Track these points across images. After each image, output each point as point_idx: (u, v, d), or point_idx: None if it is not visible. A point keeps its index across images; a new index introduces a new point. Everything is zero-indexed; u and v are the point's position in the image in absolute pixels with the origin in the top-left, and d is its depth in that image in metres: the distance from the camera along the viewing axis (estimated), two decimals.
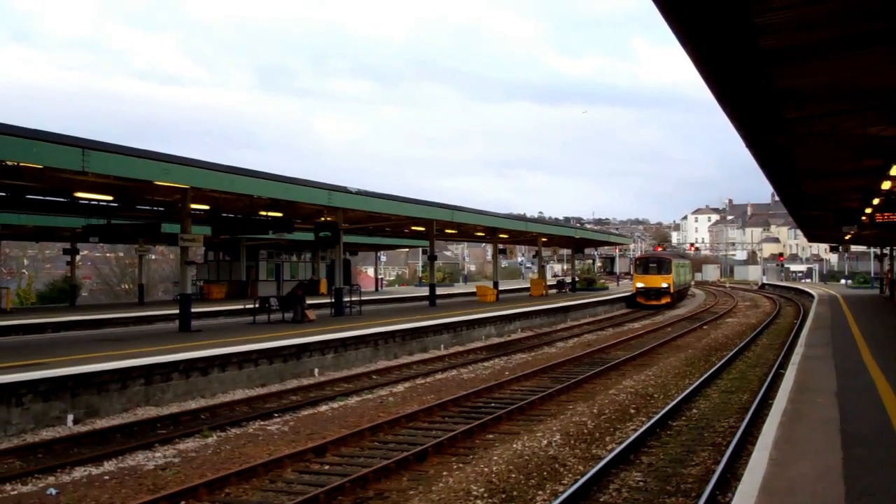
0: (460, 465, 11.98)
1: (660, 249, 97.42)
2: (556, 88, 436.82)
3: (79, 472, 11.86)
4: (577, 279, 63.31)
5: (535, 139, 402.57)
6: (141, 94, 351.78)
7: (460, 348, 28.12)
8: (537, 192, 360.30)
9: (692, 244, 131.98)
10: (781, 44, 12.83)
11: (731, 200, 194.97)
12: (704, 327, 37.33)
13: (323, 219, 31.60)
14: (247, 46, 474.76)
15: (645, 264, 54.73)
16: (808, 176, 26.53)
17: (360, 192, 28.59)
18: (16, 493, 10.85)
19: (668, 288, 52.33)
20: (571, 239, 57.19)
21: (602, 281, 71.16)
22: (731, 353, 24.58)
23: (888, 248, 61.37)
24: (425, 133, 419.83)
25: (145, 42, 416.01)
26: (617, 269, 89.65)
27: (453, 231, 45.07)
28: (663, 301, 52.18)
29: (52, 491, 10.81)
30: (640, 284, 53.48)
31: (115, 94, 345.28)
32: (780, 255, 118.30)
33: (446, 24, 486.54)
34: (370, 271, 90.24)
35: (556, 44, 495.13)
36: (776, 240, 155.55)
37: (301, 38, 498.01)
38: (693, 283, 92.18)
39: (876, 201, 26.90)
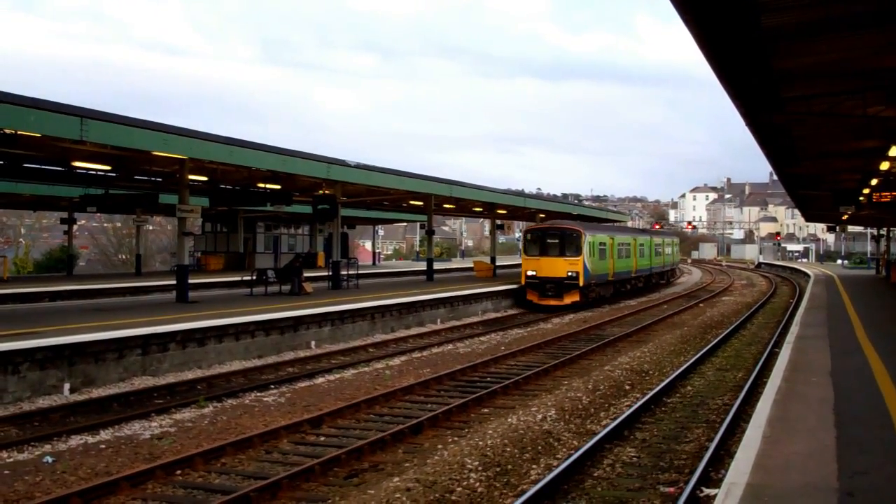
0: (455, 438, 12.06)
1: (657, 227, 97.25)
2: (560, 65, 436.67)
3: (75, 441, 11.93)
4: None
5: (536, 115, 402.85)
6: (143, 65, 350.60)
7: (456, 323, 28.19)
8: (537, 169, 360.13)
9: (689, 222, 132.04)
10: (783, 22, 12.73)
11: (729, 179, 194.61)
12: (700, 305, 37.42)
13: (321, 192, 31.55)
14: (252, 18, 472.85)
15: (540, 239, 34.58)
16: (807, 155, 26.46)
17: (359, 166, 28.50)
18: (12, 460, 10.90)
19: (575, 278, 33.17)
20: (569, 215, 57.05)
21: None
22: (726, 332, 24.66)
23: (885, 228, 61.42)
24: (427, 108, 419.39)
25: (149, 12, 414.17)
26: None
27: (451, 206, 44.97)
28: (567, 300, 33.20)
29: (49, 459, 10.87)
30: (529, 272, 33.97)
31: (117, 64, 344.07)
32: (777, 234, 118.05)
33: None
34: (368, 245, 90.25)
35: (561, 21, 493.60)
36: (773, 219, 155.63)
37: (306, 10, 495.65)
38: (689, 260, 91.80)
39: (874, 182, 26.91)
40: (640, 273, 44.26)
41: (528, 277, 33.94)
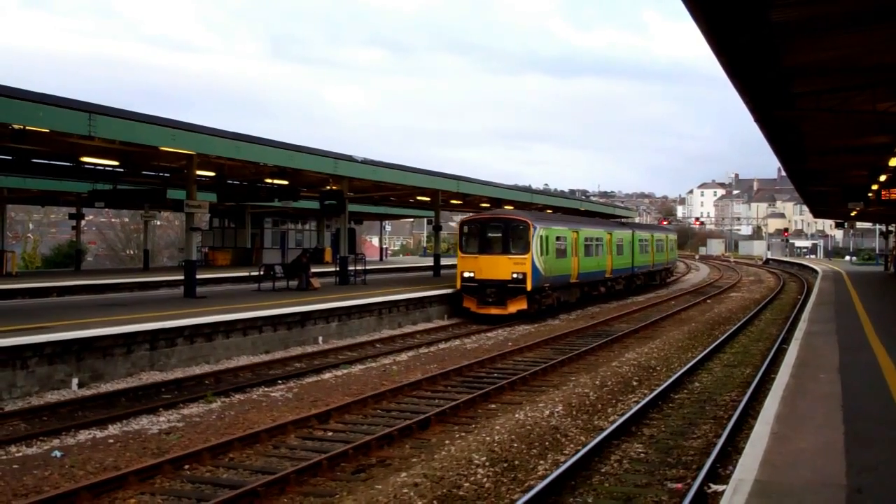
0: (462, 433, 12.06)
1: (665, 223, 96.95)
2: (568, 61, 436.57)
3: (83, 435, 11.96)
4: None
5: (545, 111, 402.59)
6: (152, 61, 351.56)
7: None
8: (545, 164, 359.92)
9: (697, 218, 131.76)
10: (792, 17, 12.69)
11: (737, 175, 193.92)
12: (708, 301, 37.34)
13: (329, 187, 31.57)
14: (260, 15, 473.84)
15: (479, 233, 28.41)
16: (816, 151, 26.38)
17: (365, 161, 28.49)
18: (21, 455, 10.94)
19: (521, 281, 27.02)
20: (576, 211, 56.90)
21: None
22: (734, 328, 24.61)
23: (894, 224, 61.18)
24: (435, 104, 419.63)
25: (158, 8, 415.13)
26: None
27: (458, 202, 44.94)
28: (512, 308, 27.02)
29: (57, 453, 10.91)
30: (466, 273, 27.82)
31: (126, 61, 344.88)
32: (786, 230, 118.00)
33: None
34: (375, 241, 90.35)
35: (569, 16, 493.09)
36: (781, 215, 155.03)
37: (314, 6, 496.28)
38: (697, 256, 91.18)
39: (883, 178, 26.83)
40: (618, 273, 37.88)
41: (464, 280, 27.78)
